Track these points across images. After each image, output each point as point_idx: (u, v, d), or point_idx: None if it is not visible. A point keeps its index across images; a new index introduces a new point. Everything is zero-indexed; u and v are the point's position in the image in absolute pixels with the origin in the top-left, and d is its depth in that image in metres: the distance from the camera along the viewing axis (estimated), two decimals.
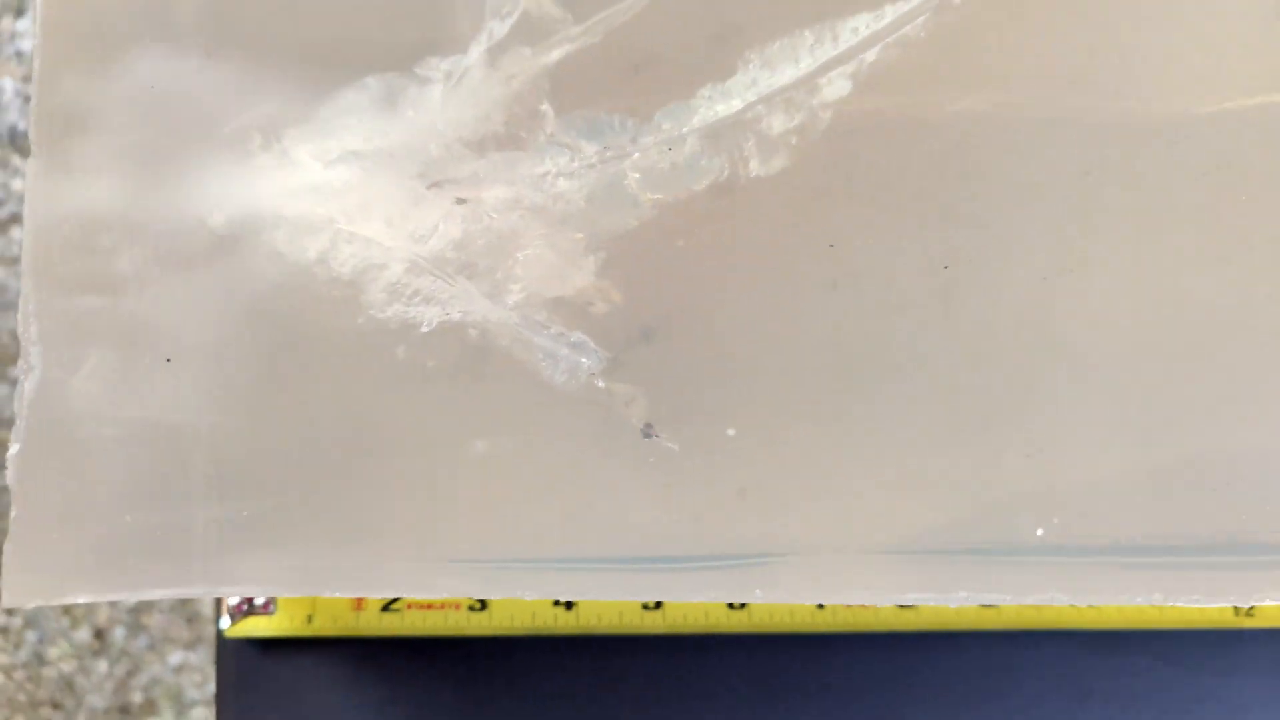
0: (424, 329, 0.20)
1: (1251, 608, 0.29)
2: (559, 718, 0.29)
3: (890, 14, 0.21)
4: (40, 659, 0.86)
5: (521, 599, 0.27)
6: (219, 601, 0.28)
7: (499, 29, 0.20)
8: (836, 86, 0.21)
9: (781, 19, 0.21)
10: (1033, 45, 0.22)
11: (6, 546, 0.18)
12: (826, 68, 0.21)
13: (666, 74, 0.21)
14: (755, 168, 0.21)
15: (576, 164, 0.21)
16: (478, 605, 0.28)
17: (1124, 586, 0.21)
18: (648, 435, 0.21)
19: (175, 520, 0.20)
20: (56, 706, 0.87)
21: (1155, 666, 0.30)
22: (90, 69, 0.19)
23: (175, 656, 0.86)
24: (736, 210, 0.21)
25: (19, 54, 0.91)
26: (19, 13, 0.92)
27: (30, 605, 0.18)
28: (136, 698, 0.87)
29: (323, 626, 0.28)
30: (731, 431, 0.20)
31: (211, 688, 0.86)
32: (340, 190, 0.21)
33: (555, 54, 0.21)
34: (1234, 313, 0.22)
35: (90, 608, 0.86)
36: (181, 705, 0.86)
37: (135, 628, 0.87)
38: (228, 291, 0.20)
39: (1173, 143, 0.22)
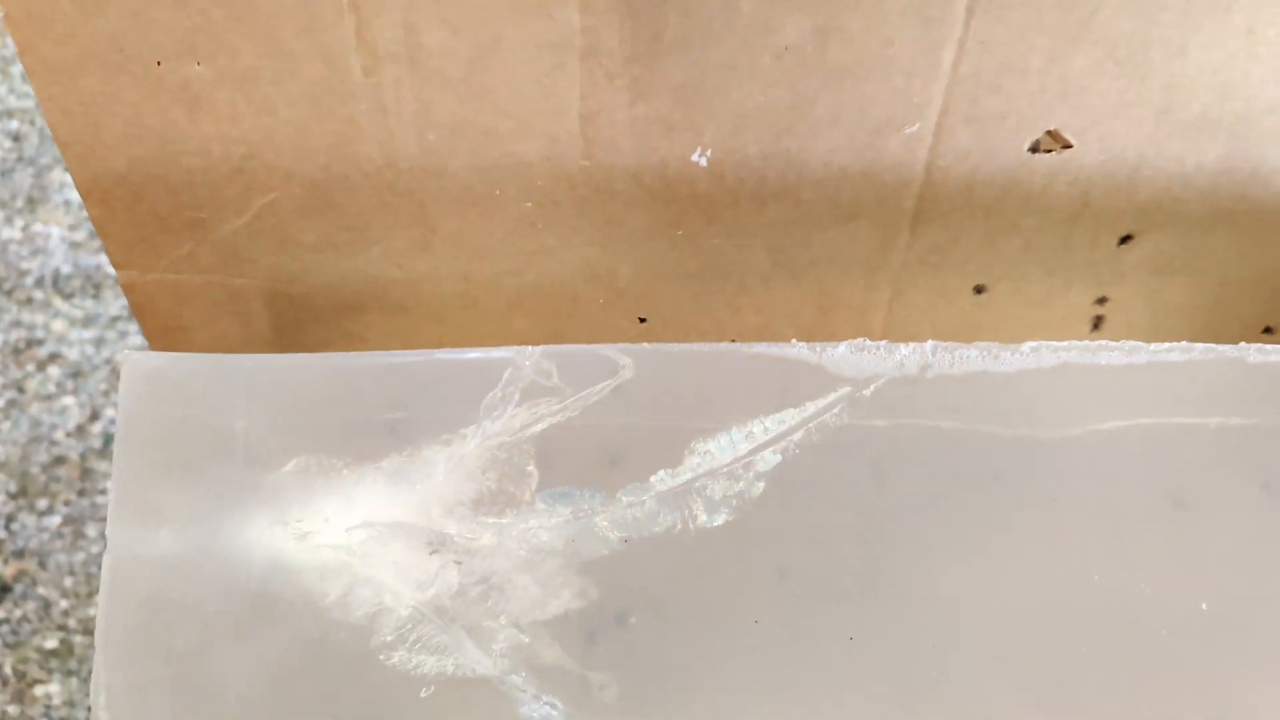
0: (424, 677, 0.24)
1: None
2: None
3: (811, 408, 0.26)
4: None
5: None
6: None
7: (490, 426, 0.25)
8: (767, 460, 0.26)
9: (724, 416, 0.25)
10: (942, 387, 0.26)
11: None
12: (758, 449, 0.26)
13: (630, 454, 0.25)
14: (703, 520, 0.26)
15: (554, 521, 0.26)
16: None
17: None
18: None
19: None
20: None
21: None
22: (157, 480, 0.24)
23: None
24: (690, 541, 0.26)
25: (66, 203, 0.98)
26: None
27: None
28: None
29: None
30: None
31: None
32: (358, 546, 0.25)
33: (539, 426, 0.26)
34: (1117, 602, 0.26)
35: None
36: None
37: None
38: (258, 650, 0.24)
39: (1060, 455, 0.26)
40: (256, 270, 0.30)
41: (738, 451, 0.25)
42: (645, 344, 0.25)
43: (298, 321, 0.31)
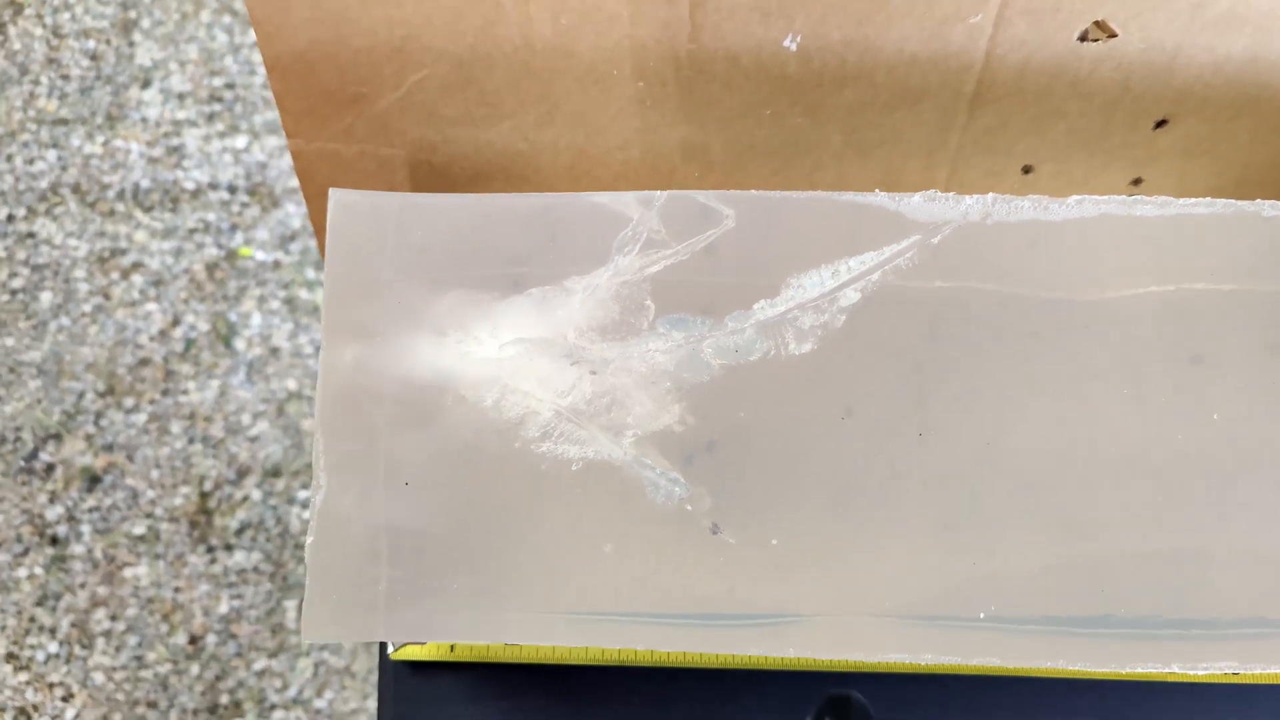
0: (571, 459, 0.30)
1: None
2: None
3: (888, 251, 0.30)
4: (140, 661, 0.97)
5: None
6: None
7: (622, 261, 0.30)
8: (849, 297, 0.31)
9: (814, 256, 0.30)
10: (991, 252, 0.31)
11: (305, 602, 0.28)
12: (842, 286, 0.30)
13: (733, 290, 0.30)
14: (793, 349, 0.31)
15: (668, 344, 0.31)
16: None
17: (1042, 653, 0.29)
18: (715, 532, 0.30)
19: (385, 590, 0.29)
20: (151, 705, 0.97)
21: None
22: (357, 296, 0.29)
23: (260, 663, 0.96)
24: (777, 370, 0.31)
25: (144, 120, 1.03)
26: (145, 84, 1.04)
27: (320, 641, 0.28)
28: (224, 699, 0.97)
29: (461, 654, 0.38)
30: (775, 541, 0.30)
31: (290, 693, 0.96)
32: (508, 362, 0.30)
33: (656, 267, 0.31)
34: (1136, 444, 0.30)
35: (186, 615, 0.97)
36: (263, 708, 0.96)
37: (226, 635, 0.97)
38: (434, 433, 0.30)
39: (1091, 316, 0.31)
40: (403, 141, 0.35)
41: (825, 287, 0.30)
42: (749, 190, 0.30)
43: (435, 188, 0.36)
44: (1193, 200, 0.30)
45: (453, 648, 0.37)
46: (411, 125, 0.35)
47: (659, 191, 0.30)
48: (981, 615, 0.30)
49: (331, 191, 0.29)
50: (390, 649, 0.37)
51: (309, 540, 0.28)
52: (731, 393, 0.31)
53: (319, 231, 0.37)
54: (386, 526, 0.29)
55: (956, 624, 0.30)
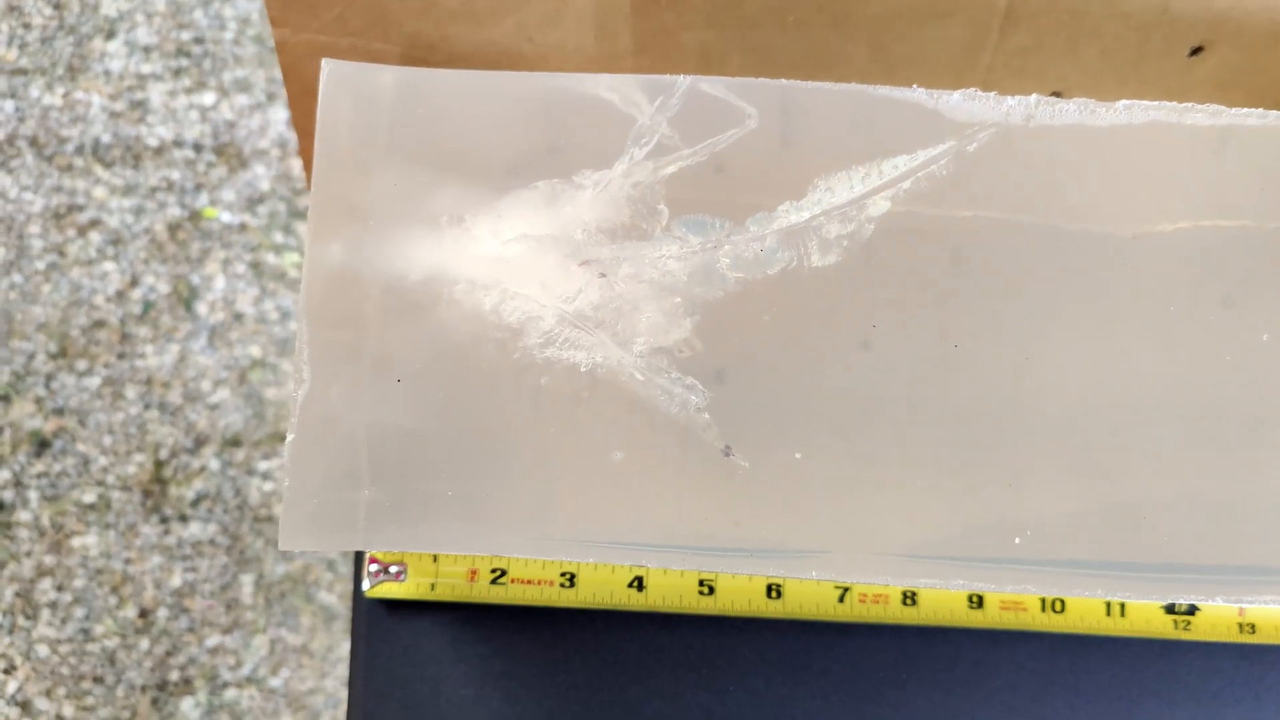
0: (578, 363, 0.27)
1: (1189, 622, 0.36)
2: (626, 679, 0.36)
3: (922, 156, 0.28)
4: (86, 634, 0.92)
5: (605, 580, 0.34)
6: (359, 568, 0.35)
7: (638, 154, 0.28)
8: (878, 205, 0.28)
9: (844, 156, 0.28)
10: (1022, 178, 0.29)
11: (283, 507, 0.25)
12: (872, 192, 0.28)
13: (756, 191, 0.28)
14: (815, 260, 0.29)
15: (683, 251, 0.28)
16: (568, 582, 0.35)
17: (1076, 585, 0.28)
18: (726, 454, 0.28)
19: (369, 497, 0.27)
20: (98, 680, 0.93)
21: (1105, 667, 0.37)
22: (349, 176, 0.27)
23: (213, 639, 0.92)
24: (797, 289, 0.29)
25: (107, 73, 0.99)
26: (109, 35, 1.00)
27: (298, 549, 0.25)
28: (174, 676, 0.92)
29: (442, 593, 0.35)
30: (799, 454, 0.28)
31: (244, 670, 0.92)
32: (510, 261, 0.28)
33: (671, 168, 0.29)
34: (1164, 386, 0.29)
35: (137, 588, 0.93)
36: (215, 686, 0.92)
37: (178, 609, 0.92)
38: (429, 328, 0.27)
39: (1123, 252, 0.29)
40: (399, 36, 0.32)
41: (854, 192, 0.28)
42: (779, 79, 0.28)
43: None
44: (1244, 110, 0.29)
45: (433, 586, 0.35)
46: (408, 18, 0.32)
47: (682, 76, 0.28)
48: (1006, 554, 0.28)
49: (325, 61, 0.27)
50: (366, 584, 0.35)
51: (290, 438, 0.25)
52: (746, 312, 0.28)
53: (304, 137, 0.34)
54: (373, 425, 0.26)
55: (978, 565, 0.28)
